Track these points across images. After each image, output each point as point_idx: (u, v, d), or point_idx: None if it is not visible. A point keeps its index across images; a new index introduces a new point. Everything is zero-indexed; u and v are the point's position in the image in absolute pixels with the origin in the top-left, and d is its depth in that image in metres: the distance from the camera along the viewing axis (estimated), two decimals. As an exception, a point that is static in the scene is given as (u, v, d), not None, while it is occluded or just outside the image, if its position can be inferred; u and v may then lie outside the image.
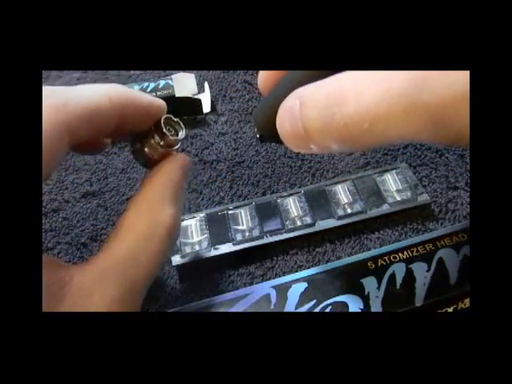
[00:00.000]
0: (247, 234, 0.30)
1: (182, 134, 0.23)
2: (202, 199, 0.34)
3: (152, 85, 0.39)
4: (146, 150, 0.22)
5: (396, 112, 0.14)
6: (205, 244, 0.30)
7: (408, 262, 0.27)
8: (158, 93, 0.38)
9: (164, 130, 0.22)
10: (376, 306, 0.26)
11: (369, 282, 0.26)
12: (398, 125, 0.14)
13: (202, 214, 0.31)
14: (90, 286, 0.17)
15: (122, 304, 0.18)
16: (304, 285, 0.27)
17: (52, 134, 0.18)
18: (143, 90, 0.39)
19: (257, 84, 0.21)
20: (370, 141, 0.15)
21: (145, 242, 0.19)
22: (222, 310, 0.26)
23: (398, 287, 0.26)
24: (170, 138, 0.22)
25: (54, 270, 0.18)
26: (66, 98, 0.19)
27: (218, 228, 0.30)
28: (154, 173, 0.22)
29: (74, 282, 0.17)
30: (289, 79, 0.19)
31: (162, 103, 0.23)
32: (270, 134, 0.20)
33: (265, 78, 0.20)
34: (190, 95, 0.39)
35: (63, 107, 0.18)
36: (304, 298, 0.26)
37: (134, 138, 0.23)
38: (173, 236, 0.20)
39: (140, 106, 0.21)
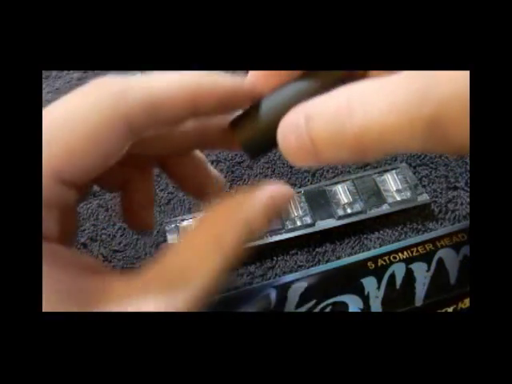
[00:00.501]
0: (247, 234, 0.30)
1: None
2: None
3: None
4: None
5: (402, 124, 0.14)
6: (205, 244, 0.30)
7: (408, 262, 0.27)
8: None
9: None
10: (376, 306, 0.26)
11: (369, 282, 0.26)
12: (405, 136, 0.15)
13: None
14: (131, 297, 0.16)
15: None
16: (304, 285, 0.27)
17: (108, 128, 0.16)
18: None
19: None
20: (379, 151, 0.16)
21: (197, 260, 0.18)
22: (222, 309, 0.26)
23: (397, 287, 0.26)
24: None
25: (91, 273, 0.17)
26: (126, 86, 0.17)
27: (218, 228, 0.30)
28: (240, 198, 0.19)
29: (114, 292, 0.16)
30: (286, 94, 0.18)
31: (251, 83, 0.20)
32: (260, 148, 0.20)
33: (259, 80, 0.19)
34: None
35: (122, 97, 0.17)
36: (304, 298, 0.26)
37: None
38: (229, 258, 0.18)
39: (216, 90, 0.19)
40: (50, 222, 0.17)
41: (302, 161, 0.17)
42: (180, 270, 0.17)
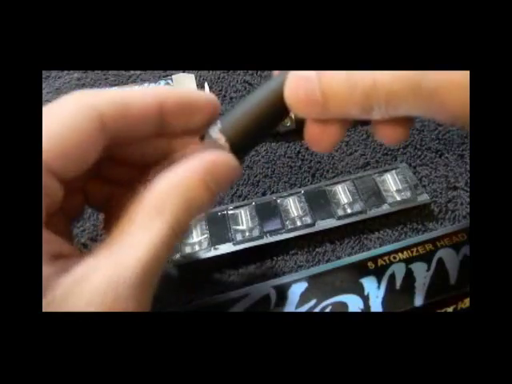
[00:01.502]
0: (247, 233, 0.30)
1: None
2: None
3: (152, 85, 0.39)
4: None
5: (406, 91, 0.17)
6: (205, 244, 0.30)
7: (408, 261, 0.27)
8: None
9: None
10: (376, 306, 0.26)
11: (369, 282, 0.26)
12: (409, 102, 0.17)
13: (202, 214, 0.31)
14: (88, 269, 0.16)
15: (113, 290, 0.16)
16: (304, 285, 0.27)
17: (87, 129, 0.18)
18: (143, 87, 0.39)
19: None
20: (385, 110, 0.18)
21: (136, 226, 0.17)
22: (222, 310, 0.26)
23: (397, 287, 0.26)
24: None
25: (50, 260, 0.17)
26: (99, 90, 0.19)
27: (218, 228, 0.30)
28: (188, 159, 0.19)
29: (78, 267, 0.17)
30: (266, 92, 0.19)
31: (213, 100, 0.21)
32: (247, 144, 0.20)
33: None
34: (190, 95, 0.39)
35: (93, 93, 0.18)
36: (304, 297, 0.26)
37: None
38: (174, 227, 0.18)
39: (183, 101, 0.20)
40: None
41: (309, 112, 0.19)
42: (123, 241, 0.17)
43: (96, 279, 0.16)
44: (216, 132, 0.20)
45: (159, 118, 0.20)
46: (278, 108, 0.19)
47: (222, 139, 0.20)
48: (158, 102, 0.20)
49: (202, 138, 0.20)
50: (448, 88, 0.16)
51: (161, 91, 0.20)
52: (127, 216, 0.18)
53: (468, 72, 0.15)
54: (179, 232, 0.18)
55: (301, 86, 0.18)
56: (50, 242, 0.17)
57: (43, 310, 0.15)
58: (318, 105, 0.18)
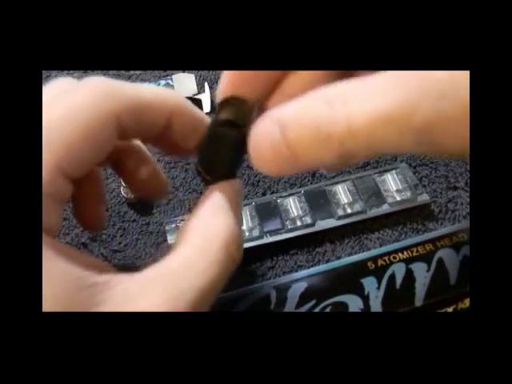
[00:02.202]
0: (247, 234, 0.30)
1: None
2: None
3: (152, 85, 0.39)
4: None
5: (391, 131, 0.14)
6: (205, 244, 0.30)
7: (408, 262, 0.27)
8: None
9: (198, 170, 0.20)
10: (376, 306, 0.26)
11: (369, 282, 0.26)
12: (394, 141, 0.14)
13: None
14: (135, 292, 0.17)
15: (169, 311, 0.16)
16: (304, 285, 0.27)
17: (101, 124, 0.18)
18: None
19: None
20: (366, 154, 0.15)
21: (198, 254, 0.18)
22: (222, 309, 0.26)
23: (397, 287, 0.26)
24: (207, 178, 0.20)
25: (98, 271, 0.17)
26: (119, 89, 0.18)
27: (218, 228, 0.30)
28: (207, 192, 0.20)
29: (120, 287, 0.17)
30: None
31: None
32: (228, 172, 0.20)
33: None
34: (190, 95, 0.39)
35: (114, 97, 0.18)
36: (304, 298, 0.26)
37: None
38: (230, 249, 0.18)
39: (190, 118, 0.21)
40: (53, 216, 0.17)
41: (279, 170, 0.17)
42: (183, 264, 0.17)
43: (152, 299, 0.16)
44: (197, 166, 0.21)
45: (166, 125, 0.20)
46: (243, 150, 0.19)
47: (203, 173, 0.20)
48: (169, 111, 0.20)
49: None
50: (443, 125, 0.13)
51: (175, 99, 0.20)
52: (184, 241, 0.18)
53: (465, 104, 0.13)
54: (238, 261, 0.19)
55: (265, 144, 0.16)
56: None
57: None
58: (287, 162, 0.16)
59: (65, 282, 0.16)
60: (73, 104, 0.18)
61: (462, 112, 0.13)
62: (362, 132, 0.14)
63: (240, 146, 0.19)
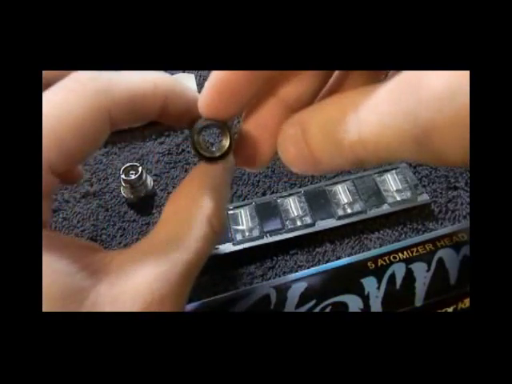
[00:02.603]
0: (247, 234, 0.30)
1: (223, 144, 0.20)
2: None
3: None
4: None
5: (395, 140, 0.15)
6: (205, 244, 0.30)
7: (408, 261, 0.27)
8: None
9: (196, 147, 0.20)
10: (376, 306, 0.26)
11: (369, 282, 0.26)
12: (399, 150, 0.15)
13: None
14: (131, 265, 0.17)
15: (164, 284, 0.17)
16: (304, 285, 0.27)
17: (93, 121, 0.18)
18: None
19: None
20: (375, 160, 0.16)
21: (185, 228, 0.19)
22: (222, 309, 0.26)
23: (397, 287, 0.26)
24: (205, 154, 0.20)
25: (91, 252, 0.18)
26: (110, 83, 0.19)
27: (218, 228, 0.30)
28: (194, 170, 0.21)
29: (114, 263, 0.18)
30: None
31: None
32: None
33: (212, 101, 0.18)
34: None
35: (106, 93, 0.18)
36: (304, 297, 0.26)
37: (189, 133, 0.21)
38: (214, 225, 0.20)
39: (184, 99, 0.21)
40: (45, 211, 0.18)
41: (303, 169, 0.18)
42: (172, 238, 0.19)
43: (146, 273, 0.17)
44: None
45: (160, 110, 0.21)
46: None
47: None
48: (163, 97, 0.20)
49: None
50: (441, 133, 0.13)
51: (169, 85, 0.20)
52: (171, 215, 0.19)
53: (462, 110, 0.13)
54: (220, 234, 0.20)
55: (290, 145, 0.18)
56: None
57: (83, 309, 0.16)
58: (309, 162, 0.17)
59: (62, 266, 0.16)
60: (64, 102, 0.18)
61: (459, 119, 0.13)
62: (370, 141, 0.15)
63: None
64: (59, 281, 0.16)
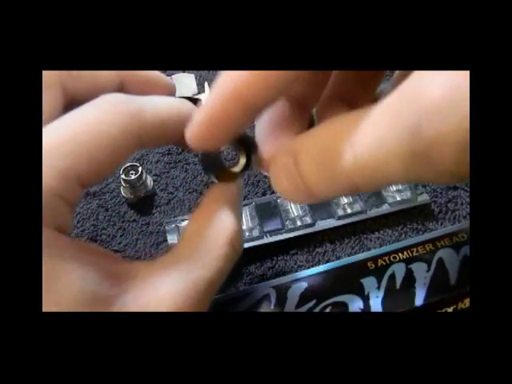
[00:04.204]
0: (247, 234, 0.30)
1: (240, 165, 0.21)
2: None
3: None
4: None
5: (395, 164, 0.14)
6: (205, 244, 0.30)
7: (408, 261, 0.27)
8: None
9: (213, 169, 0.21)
10: (376, 306, 0.26)
11: (369, 282, 0.26)
12: (399, 173, 0.14)
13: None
14: (156, 278, 0.18)
15: (187, 299, 0.18)
16: (304, 285, 0.27)
17: (123, 141, 0.19)
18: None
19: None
20: (373, 186, 0.16)
21: (207, 246, 0.19)
22: (222, 309, 0.26)
23: (397, 287, 0.26)
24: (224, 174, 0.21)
25: (116, 262, 0.18)
26: (141, 109, 0.19)
27: (218, 228, 0.30)
28: (213, 189, 0.22)
29: (139, 275, 0.18)
30: None
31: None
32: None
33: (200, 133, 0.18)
34: (190, 95, 0.39)
35: (137, 117, 0.19)
36: (304, 297, 0.26)
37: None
38: (234, 245, 0.20)
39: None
40: (67, 218, 0.19)
41: (298, 200, 0.18)
42: (195, 256, 0.19)
43: (170, 288, 0.18)
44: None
45: (182, 135, 0.20)
46: None
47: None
48: (186, 122, 0.20)
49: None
50: (443, 143, 0.13)
51: (189, 110, 0.21)
52: (194, 234, 0.20)
53: (461, 124, 0.13)
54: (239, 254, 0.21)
55: (283, 176, 0.17)
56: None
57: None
58: (304, 193, 0.17)
59: (91, 274, 0.17)
60: (98, 121, 0.18)
61: (458, 133, 0.13)
62: (367, 163, 0.15)
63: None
64: (88, 288, 0.16)
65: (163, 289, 0.18)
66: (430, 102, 0.13)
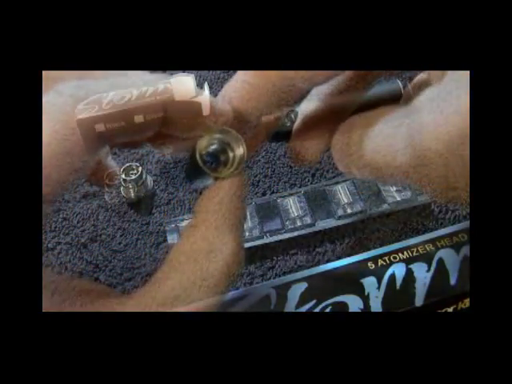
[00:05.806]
0: (247, 233, 0.30)
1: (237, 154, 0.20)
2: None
3: (152, 88, 0.39)
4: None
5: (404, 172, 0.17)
6: (205, 244, 0.30)
7: (408, 262, 0.27)
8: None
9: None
10: (376, 306, 0.26)
11: (369, 282, 0.26)
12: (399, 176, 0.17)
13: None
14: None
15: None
16: (304, 285, 0.27)
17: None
18: (142, 91, 0.38)
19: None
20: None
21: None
22: (221, 310, 0.26)
23: (398, 287, 0.26)
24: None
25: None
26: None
27: (218, 228, 0.30)
28: (206, 197, 0.21)
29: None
30: None
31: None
32: None
33: None
34: (189, 97, 0.39)
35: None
36: (304, 298, 0.26)
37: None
38: (231, 270, 0.19)
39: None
40: None
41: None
42: (205, 246, 0.19)
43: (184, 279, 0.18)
44: None
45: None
46: None
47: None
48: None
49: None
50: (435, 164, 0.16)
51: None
52: (206, 223, 0.20)
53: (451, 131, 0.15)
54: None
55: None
56: None
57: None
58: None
59: None
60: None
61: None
62: (378, 166, 0.18)
63: None
64: None
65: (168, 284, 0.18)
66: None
